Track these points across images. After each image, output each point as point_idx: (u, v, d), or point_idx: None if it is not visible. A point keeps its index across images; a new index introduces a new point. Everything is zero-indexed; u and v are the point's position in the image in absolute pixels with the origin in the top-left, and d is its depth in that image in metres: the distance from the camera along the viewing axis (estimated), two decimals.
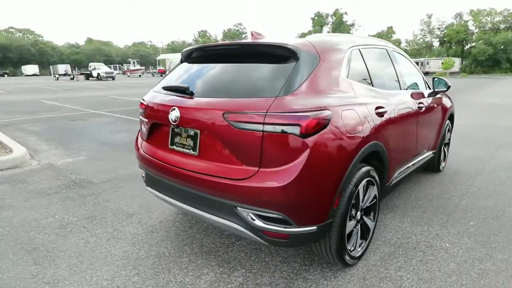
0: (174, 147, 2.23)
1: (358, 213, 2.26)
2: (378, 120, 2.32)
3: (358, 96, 2.23)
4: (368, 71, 2.54)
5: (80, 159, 5.10)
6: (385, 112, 2.44)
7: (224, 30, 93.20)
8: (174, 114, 2.11)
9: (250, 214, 1.86)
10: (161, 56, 67.93)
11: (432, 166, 4.14)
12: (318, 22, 74.67)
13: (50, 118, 9.19)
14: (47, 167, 4.66)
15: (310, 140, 1.76)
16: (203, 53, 2.51)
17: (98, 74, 36.96)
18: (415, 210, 3.22)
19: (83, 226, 2.93)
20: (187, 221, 3.02)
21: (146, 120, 2.44)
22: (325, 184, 1.88)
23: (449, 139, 4.55)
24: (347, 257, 2.18)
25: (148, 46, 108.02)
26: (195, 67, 2.45)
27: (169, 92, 2.32)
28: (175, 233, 2.80)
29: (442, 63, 45.18)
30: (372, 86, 2.52)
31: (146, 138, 2.51)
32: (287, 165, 1.76)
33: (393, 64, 3.05)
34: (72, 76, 40.83)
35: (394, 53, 3.19)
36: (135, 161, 2.72)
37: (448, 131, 4.37)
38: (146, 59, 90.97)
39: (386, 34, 64.59)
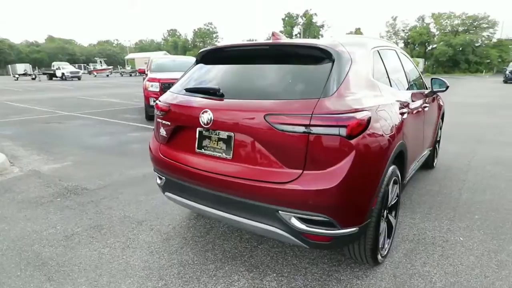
0: (203, 150, 2.15)
1: (385, 211, 2.29)
2: (401, 120, 2.37)
3: (385, 96, 2.26)
4: (386, 71, 2.58)
5: (67, 164, 4.81)
6: (405, 112, 2.49)
7: (194, 29, 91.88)
8: (206, 117, 2.02)
9: (293, 217, 1.82)
10: (130, 55, 65.75)
11: (427, 163, 4.31)
12: (289, 23, 75.59)
13: (21, 121, 8.60)
14: (32, 174, 4.35)
15: (355, 141, 1.76)
16: (227, 54, 2.44)
17: (63, 74, 35.07)
18: (421, 206, 3.33)
19: (91, 236, 2.75)
20: (201, 226, 2.93)
21: (168, 122, 2.33)
22: (368, 184, 1.89)
23: (440, 137, 4.76)
24: (379, 256, 2.20)
25: (114, 44, 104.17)
26: (218, 68, 2.38)
27: (194, 94, 2.23)
28: (192, 239, 2.70)
29: None
30: (391, 86, 2.57)
31: (166, 141, 2.40)
32: (333, 167, 1.75)
33: (402, 65, 3.13)
34: (33, 76, 38.44)
35: (401, 54, 3.28)
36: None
37: (440, 128, 4.57)
38: (113, 58, 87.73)
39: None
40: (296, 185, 1.78)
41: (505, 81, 25.83)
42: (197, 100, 2.16)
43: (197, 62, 2.59)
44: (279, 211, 1.84)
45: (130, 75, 48.29)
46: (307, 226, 1.82)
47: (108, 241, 2.67)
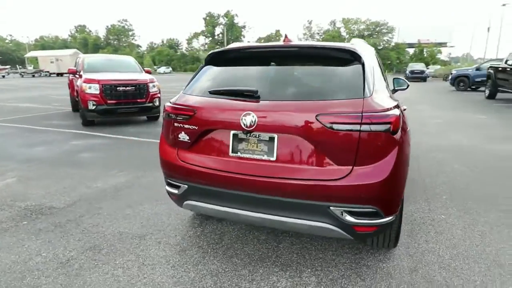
0: (239, 154, 2.10)
1: None
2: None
3: (392, 95, 2.50)
4: (382, 73, 2.84)
5: (11, 181, 4.11)
6: (403, 109, 2.78)
7: (107, 26, 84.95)
8: (249, 119, 1.98)
9: (343, 211, 1.91)
10: (32, 54, 57.83)
11: None
12: (210, 22, 75.31)
13: None
14: None
15: (397, 136, 1.93)
16: (251, 55, 2.41)
17: None
18: None
19: (92, 259, 2.44)
20: (211, 232, 2.82)
21: (194, 127, 2.20)
22: (404, 174, 2.09)
23: None
24: (398, 240, 2.44)
25: (8, 41, 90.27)
26: (242, 69, 2.34)
27: (222, 96, 2.16)
28: (210, 247, 2.60)
29: None
30: (388, 85, 2.84)
31: (188, 146, 2.26)
32: (381, 161, 1.89)
33: (380, 65, 3.46)
34: None
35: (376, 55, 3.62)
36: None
37: None
38: (7, 56, 76.13)
39: (275, 37, 69.57)
40: (347, 181, 1.87)
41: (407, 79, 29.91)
42: (235, 103, 2.09)
43: (208, 63, 2.49)
44: (331, 207, 1.91)
45: (33, 76, 42.52)
46: (356, 219, 1.92)
47: (117, 261, 2.40)
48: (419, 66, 31.30)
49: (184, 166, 2.26)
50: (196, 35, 79.58)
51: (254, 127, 1.99)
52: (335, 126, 1.86)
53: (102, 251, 2.54)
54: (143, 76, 8.36)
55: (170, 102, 2.40)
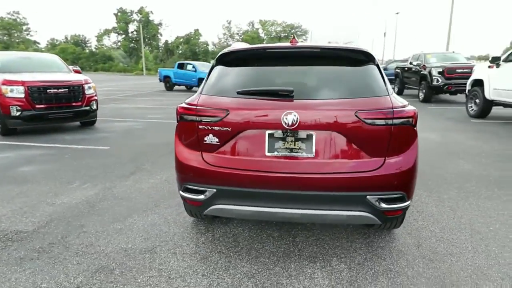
0: (275, 153, 2.12)
1: None
2: None
3: None
4: None
5: None
6: None
7: None
8: (290, 118, 2.02)
9: (378, 199, 2.10)
10: None
11: None
12: (123, 19, 70.30)
13: None
14: None
15: (416, 128, 2.19)
16: (271, 55, 2.42)
17: None
18: None
19: (108, 281, 2.18)
20: (223, 236, 2.76)
21: (227, 128, 2.13)
22: (417, 161, 2.36)
23: None
24: None
25: None
26: (264, 69, 2.36)
27: (254, 96, 2.15)
28: (230, 251, 2.55)
29: None
30: None
31: (217, 149, 2.19)
32: (407, 151, 2.12)
33: None
34: None
35: None
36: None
37: None
38: None
39: (194, 36, 68.43)
40: (382, 171, 2.06)
41: None
42: (272, 102, 2.10)
43: (221, 63, 2.43)
44: (367, 197, 2.08)
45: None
46: (387, 205, 2.13)
47: (139, 280, 2.20)
48: None
49: (212, 170, 2.18)
50: (107, 32, 73.49)
51: (296, 125, 2.03)
52: (372, 121, 2.03)
53: (115, 271, 2.29)
54: (76, 77, 7.49)
55: (189, 104, 2.29)
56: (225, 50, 2.46)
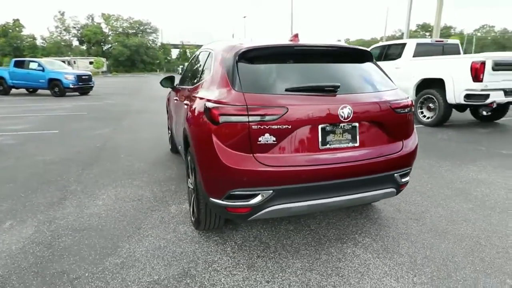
0: (328, 146, 2.23)
1: None
2: None
3: None
4: None
5: None
6: None
7: None
8: (346, 111, 2.16)
9: (399, 175, 2.51)
10: None
11: None
12: None
13: None
14: None
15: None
16: (298, 52, 2.45)
17: None
18: None
19: None
20: (246, 242, 2.65)
21: (287, 126, 2.08)
22: None
23: None
24: None
25: None
26: (294, 66, 2.39)
27: (301, 93, 2.18)
28: (268, 253, 2.49)
29: (91, 62, 46.57)
30: None
31: (271, 149, 2.12)
32: (413, 133, 2.61)
33: None
34: None
35: None
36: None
37: None
38: None
39: (14, 28, 55.53)
40: (404, 151, 2.47)
41: None
42: (325, 98, 2.19)
43: (244, 60, 2.32)
44: (395, 174, 2.46)
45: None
46: (403, 179, 2.57)
47: None
48: None
49: (269, 170, 2.10)
50: None
51: (350, 118, 2.19)
52: (399, 110, 2.40)
53: None
54: None
55: (231, 103, 2.10)
56: (248, 46, 2.35)
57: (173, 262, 2.37)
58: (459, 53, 8.48)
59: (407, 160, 2.51)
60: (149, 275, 2.21)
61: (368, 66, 2.66)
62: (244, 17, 49.73)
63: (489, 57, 6.29)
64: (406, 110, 2.47)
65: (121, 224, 2.92)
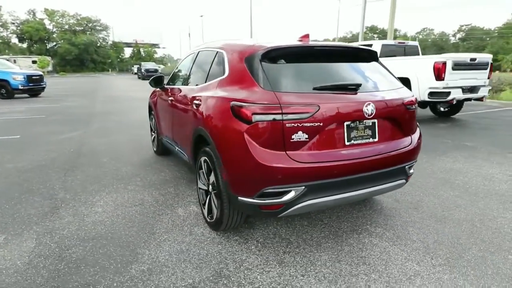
0: (352, 141, 2.33)
1: None
2: None
3: None
4: None
5: None
6: None
7: None
8: (370, 108, 2.29)
9: (409, 167, 2.70)
10: None
11: None
12: None
13: None
14: None
15: None
16: (317, 52, 2.52)
17: None
18: None
19: None
20: (268, 240, 2.68)
21: (319, 124, 2.15)
22: None
23: None
24: None
25: None
26: (314, 65, 2.47)
27: (326, 91, 2.27)
28: (292, 249, 2.55)
29: (34, 61, 42.94)
30: None
31: (303, 146, 2.17)
32: (417, 128, 2.81)
33: None
34: None
35: None
36: None
37: None
38: None
39: None
40: (413, 144, 2.67)
41: (142, 78, 31.27)
42: (350, 96, 2.29)
43: (271, 60, 2.36)
44: (406, 167, 2.64)
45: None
46: (411, 170, 2.76)
47: None
48: (151, 65, 33.47)
49: (301, 167, 2.15)
50: None
51: (373, 115, 2.32)
52: (410, 107, 2.58)
53: None
54: None
55: (267, 103, 2.12)
56: (271, 46, 2.38)
57: (202, 264, 2.33)
58: (418, 54, 9.18)
59: (415, 153, 2.71)
60: (182, 279, 2.16)
61: (376, 65, 2.81)
62: (201, 16, 48.86)
63: (449, 58, 6.90)
64: (414, 107, 2.67)
65: (132, 230, 2.79)
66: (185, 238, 2.68)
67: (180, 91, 3.63)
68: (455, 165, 4.61)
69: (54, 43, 54.89)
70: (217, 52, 3.01)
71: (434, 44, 64.02)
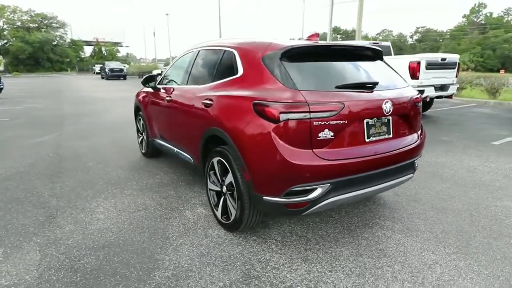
0: (371, 138, 2.40)
1: None
2: None
3: None
4: None
5: None
6: None
7: None
8: (388, 106, 2.37)
9: (416, 161, 2.83)
10: None
11: None
12: None
13: None
14: None
15: None
16: (331, 51, 2.57)
17: None
18: None
19: None
20: (286, 239, 2.69)
21: (344, 121, 2.19)
22: None
23: None
24: None
25: None
26: (330, 64, 2.50)
27: (346, 89, 2.33)
28: (312, 246, 2.57)
29: None
30: None
31: (328, 143, 2.20)
32: (421, 123, 2.95)
33: None
34: None
35: None
36: None
37: None
38: None
39: None
40: (421, 140, 2.80)
41: (106, 78, 29.94)
42: (369, 94, 2.36)
43: (291, 59, 2.36)
44: (415, 161, 2.77)
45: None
46: (416, 164, 2.90)
47: None
48: (115, 65, 32.11)
49: (328, 165, 2.18)
50: None
51: (390, 112, 2.40)
52: (418, 104, 2.71)
53: None
54: None
55: (294, 101, 2.12)
56: (289, 45, 2.39)
57: (228, 266, 2.29)
58: (391, 54, 9.61)
59: (421, 148, 2.85)
60: (212, 283, 2.11)
61: (382, 63, 2.91)
62: (167, 14, 47.68)
63: (423, 58, 7.31)
64: (420, 104, 2.80)
65: (143, 236, 2.68)
66: (202, 241, 2.62)
67: (180, 90, 3.53)
68: (438, 158, 4.89)
69: (5, 41, 50.93)
70: (225, 51, 2.96)
71: (393, 45, 67.16)
